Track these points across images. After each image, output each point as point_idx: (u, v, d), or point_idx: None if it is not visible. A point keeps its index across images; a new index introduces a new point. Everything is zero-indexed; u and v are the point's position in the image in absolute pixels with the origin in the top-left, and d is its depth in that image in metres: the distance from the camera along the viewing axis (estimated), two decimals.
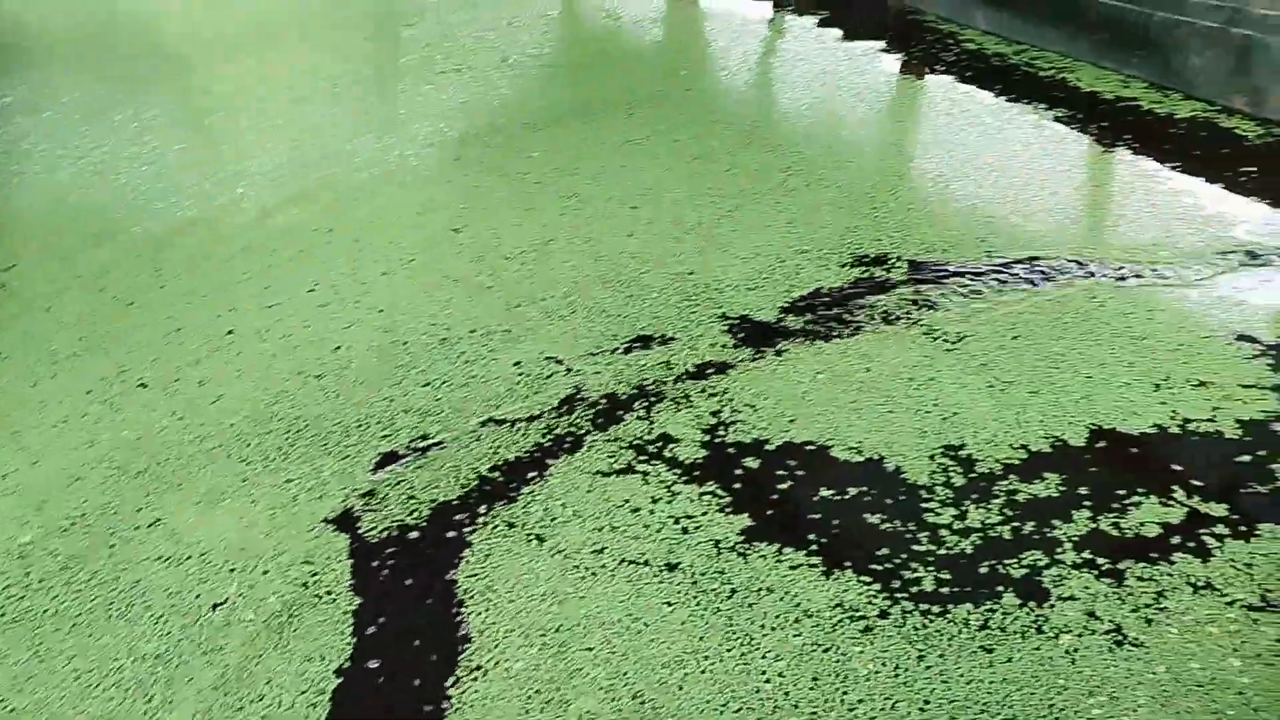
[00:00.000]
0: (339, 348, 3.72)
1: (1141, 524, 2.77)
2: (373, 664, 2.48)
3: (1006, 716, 2.28)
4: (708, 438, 3.17)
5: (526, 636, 2.52)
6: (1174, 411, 3.15)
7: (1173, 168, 4.76)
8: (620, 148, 5.29)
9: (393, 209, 4.76)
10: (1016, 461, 3.00)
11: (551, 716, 2.33)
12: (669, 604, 2.59)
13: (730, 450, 3.11)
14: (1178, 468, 2.96)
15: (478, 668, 2.44)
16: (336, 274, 4.21)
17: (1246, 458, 2.98)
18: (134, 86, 6.56)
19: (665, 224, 4.47)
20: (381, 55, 7.14)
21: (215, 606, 2.67)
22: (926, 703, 2.33)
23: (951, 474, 2.96)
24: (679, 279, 4.01)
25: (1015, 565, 2.66)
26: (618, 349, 3.61)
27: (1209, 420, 3.12)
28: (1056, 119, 5.37)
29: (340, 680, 2.44)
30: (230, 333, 3.86)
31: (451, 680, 2.42)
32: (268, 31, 7.52)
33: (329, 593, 2.68)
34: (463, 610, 2.61)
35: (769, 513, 2.88)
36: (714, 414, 3.26)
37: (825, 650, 2.47)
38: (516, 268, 4.18)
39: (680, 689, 2.37)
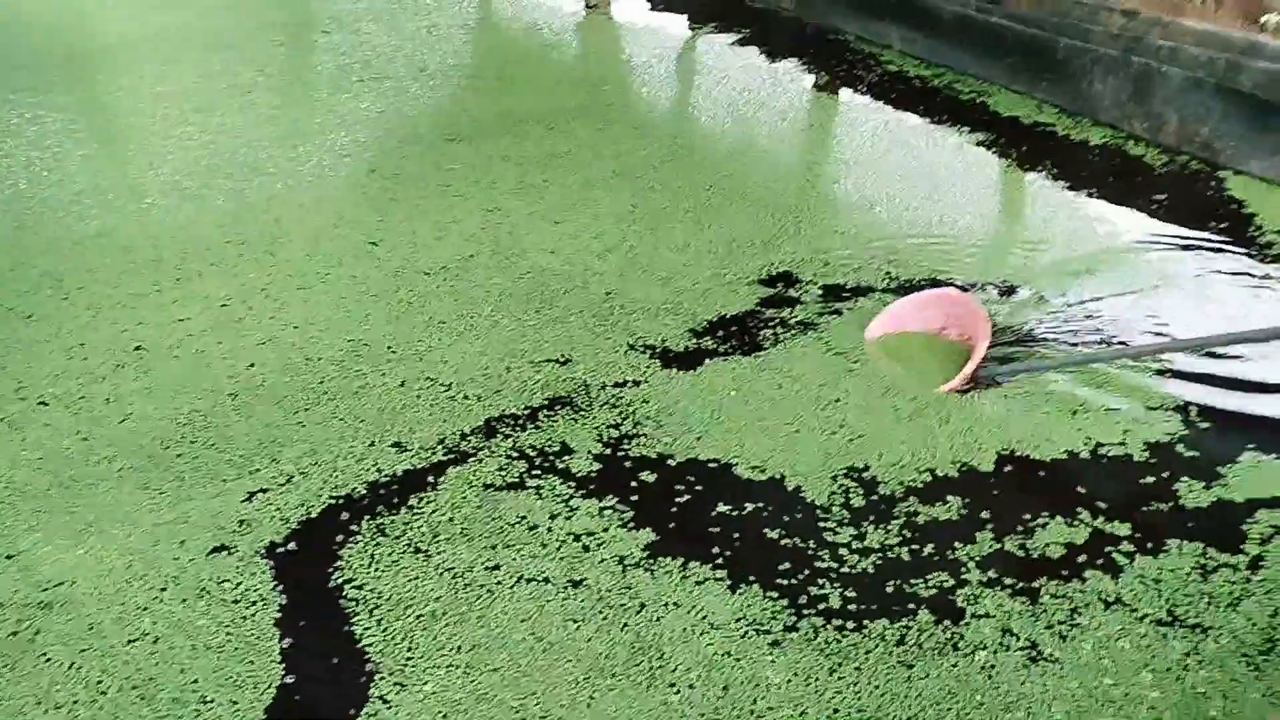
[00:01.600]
0: (253, 365, 3.61)
1: (1048, 544, 2.85)
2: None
3: None
4: (608, 451, 3.18)
5: (430, 659, 2.48)
6: (1087, 437, 3.24)
7: (1089, 194, 4.92)
8: (542, 162, 5.25)
9: (308, 221, 4.65)
10: (920, 485, 3.06)
11: None
12: (574, 621, 2.59)
13: (629, 465, 3.12)
14: (1083, 490, 3.04)
15: (381, 697, 2.39)
16: (250, 288, 4.09)
17: (1150, 479, 3.08)
18: (35, 91, 6.31)
19: (587, 240, 4.45)
20: (296, 63, 6.99)
21: (131, 642, 2.57)
22: (836, 711, 2.36)
23: (852, 495, 3.00)
24: (600, 299, 4.00)
25: (922, 585, 2.71)
26: (533, 367, 3.58)
27: (1119, 444, 3.21)
28: (979, 143, 5.50)
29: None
30: (139, 348, 3.72)
31: (359, 710, 2.36)
32: (176, 37, 7.30)
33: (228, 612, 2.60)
34: (362, 636, 2.55)
35: (671, 526, 2.88)
36: (615, 427, 3.27)
37: (736, 660, 2.48)
38: (437, 284, 4.12)
39: (589, 707, 2.36)
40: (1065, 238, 4.51)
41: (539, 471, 3.10)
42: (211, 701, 2.38)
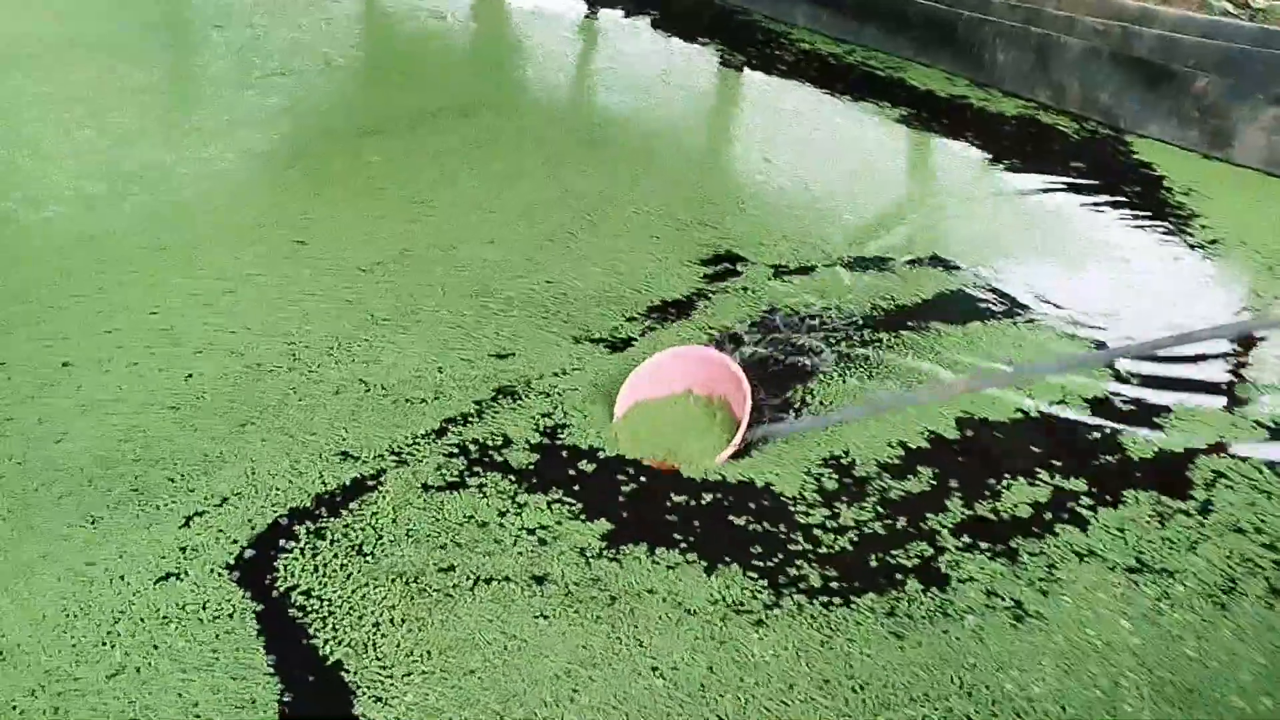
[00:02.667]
0: (190, 375, 3.45)
1: (1015, 505, 2.92)
2: None
3: (917, 693, 2.35)
4: (546, 440, 3.15)
5: (405, 668, 2.41)
6: (1030, 396, 3.35)
7: (1009, 164, 5.05)
8: (464, 152, 5.15)
9: (227, 223, 4.46)
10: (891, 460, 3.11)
11: None
12: (544, 617, 2.54)
13: (565, 454, 3.09)
14: (1037, 449, 3.13)
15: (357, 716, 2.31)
16: (176, 294, 3.91)
17: (1096, 435, 3.20)
18: None
19: (521, 230, 4.39)
20: (192, 62, 6.70)
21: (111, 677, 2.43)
22: (826, 681, 2.37)
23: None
24: (539, 287, 3.95)
25: (904, 555, 2.75)
26: (477, 362, 3.52)
27: (1061, 402, 3.33)
28: (900, 118, 5.60)
29: None
30: (66, 364, 3.52)
31: None
32: (61, 39, 6.91)
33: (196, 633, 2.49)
34: (329, 651, 2.46)
35: (624, 516, 2.86)
36: (546, 416, 3.25)
37: (719, 642, 2.47)
38: (376, 280, 4.01)
39: (573, 700, 2.33)
40: (990, 210, 4.63)
41: (479, 469, 3.03)
42: None
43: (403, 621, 2.52)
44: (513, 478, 2.99)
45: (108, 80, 6.13)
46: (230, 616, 2.53)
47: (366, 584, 2.62)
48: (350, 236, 4.33)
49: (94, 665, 2.42)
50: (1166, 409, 3.32)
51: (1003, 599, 2.60)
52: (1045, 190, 4.77)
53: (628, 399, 3.15)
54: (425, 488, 2.95)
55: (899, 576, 2.67)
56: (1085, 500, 2.93)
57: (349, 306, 3.83)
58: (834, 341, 3.61)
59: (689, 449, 3.03)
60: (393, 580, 2.63)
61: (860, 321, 3.75)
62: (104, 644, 2.47)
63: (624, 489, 2.95)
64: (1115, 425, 3.23)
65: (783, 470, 3.01)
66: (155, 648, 2.45)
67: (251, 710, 2.30)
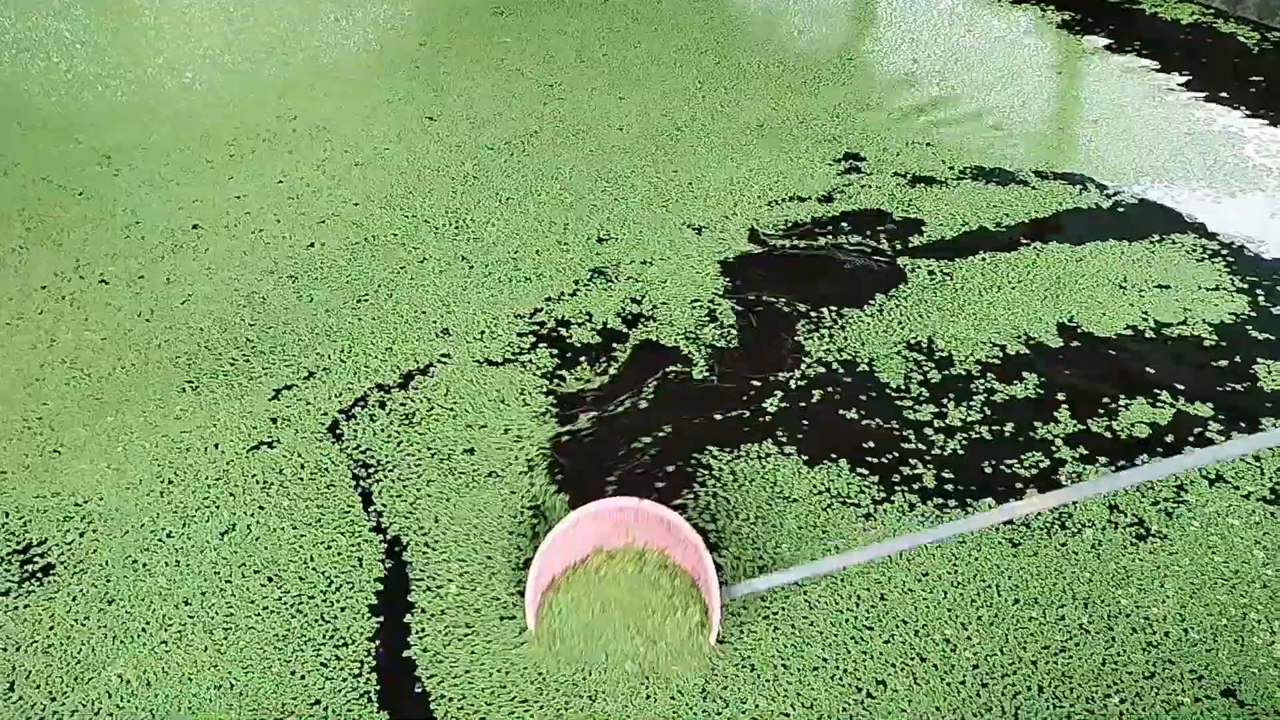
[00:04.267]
0: (312, 244, 3.50)
1: (1133, 424, 2.74)
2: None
3: (1027, 598, 2.25)
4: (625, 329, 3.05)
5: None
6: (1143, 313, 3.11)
7: (1177, 78, 4.67)
8: (600, 35, 5.04)
9: (360, 96, 4.48)
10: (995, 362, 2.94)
11: None
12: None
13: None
14: (1152, 370, 2.91)
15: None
16: (305, 164, 3.96)
17: (1224, 361, 2.95)
18: None
19: (656, 116, 4.27)
20: None
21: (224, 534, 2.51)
22: (925, 575, 2.29)
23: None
24: (668, 177, 3.85)
25: (1018, 465, 2.61)
26: (575, 246, 3.46)
27: (1182, 324, 3.07)
28: (1061, 24, 5.22)
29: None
30: (196, 227, 3.61)
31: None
32: None
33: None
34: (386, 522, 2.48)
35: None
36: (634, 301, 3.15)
37: (822, 530, 2.40)
38: (504, 159, 3.97)
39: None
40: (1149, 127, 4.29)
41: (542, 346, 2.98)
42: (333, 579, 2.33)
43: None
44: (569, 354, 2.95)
45: None
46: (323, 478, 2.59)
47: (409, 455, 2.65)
48: (479, 115, 4.30)
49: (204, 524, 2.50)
50: None
51: (1125, 514, 2.46)
52: (1214, 106, 4.39)
53: (534, 596, 2.17)
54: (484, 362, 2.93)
55: (1019, 485, 2.54)
56: (1214, 426, 2.73)
57: (474, 184, 3.81)
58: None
59: (663, 640, 2.12)
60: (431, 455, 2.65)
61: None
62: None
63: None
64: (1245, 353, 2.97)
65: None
66: (261, 508, 2.52)
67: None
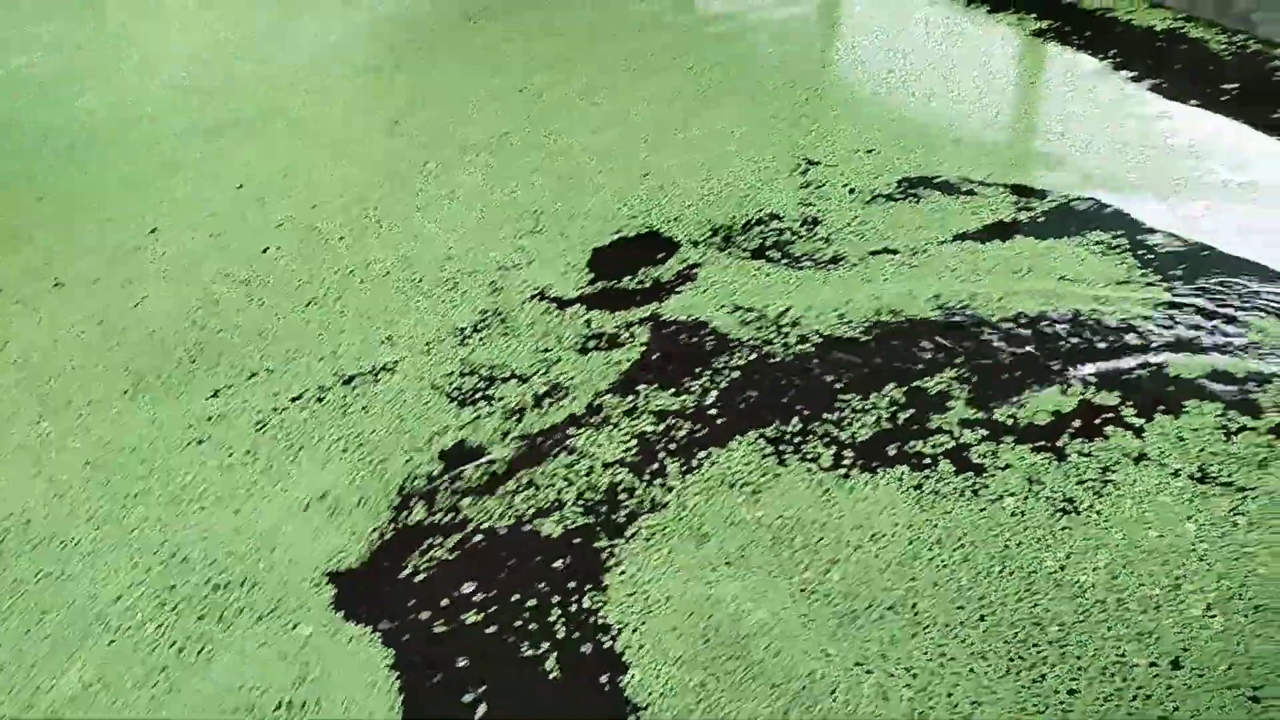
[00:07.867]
0: (267, 249, 3.54)
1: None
2: None
3: (937, 547, 2.26)
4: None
5: None
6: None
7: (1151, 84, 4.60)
8: (582, 36, 5.04)
9: (334, 94, 4.54)
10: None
11: None
12: None
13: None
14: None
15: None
16: (267, 168, 4.00)
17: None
18: None
19: (642, 112, 4.25)
20: None
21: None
22: (824, 524, 2.31)
23: None
24: (635, 180, 3.85)
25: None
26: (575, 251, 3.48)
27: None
28: (1036, 32, 5.18)
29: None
30: (153, 231, 3.67)
31: None
32: None
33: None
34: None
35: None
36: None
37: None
38: (468, 160, 3.99)
39: None
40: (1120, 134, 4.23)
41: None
42: None
43: None
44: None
45: None
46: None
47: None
48: (454, 116, 4.32)
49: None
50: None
51: (1047, 488, 2.43)
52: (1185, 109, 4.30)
53: None
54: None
55: (927, 461, 2.52)
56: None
57: (441, 185, 3.82)
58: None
59: None
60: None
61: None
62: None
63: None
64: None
65: None
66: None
67: None
